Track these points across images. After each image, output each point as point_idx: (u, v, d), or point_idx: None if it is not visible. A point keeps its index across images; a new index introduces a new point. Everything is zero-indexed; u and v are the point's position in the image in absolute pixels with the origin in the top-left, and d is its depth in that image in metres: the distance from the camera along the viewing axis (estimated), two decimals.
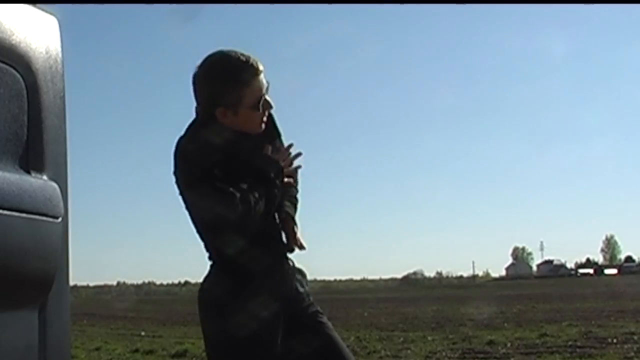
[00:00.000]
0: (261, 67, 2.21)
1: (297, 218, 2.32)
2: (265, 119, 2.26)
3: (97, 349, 11.19)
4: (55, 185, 2.01)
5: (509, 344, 9.70)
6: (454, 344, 10.22)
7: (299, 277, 2.29)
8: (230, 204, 2.04)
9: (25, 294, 1.93)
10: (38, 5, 2.14)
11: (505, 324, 13.21)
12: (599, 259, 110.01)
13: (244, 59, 2.20)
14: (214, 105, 2.18)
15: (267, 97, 2.23)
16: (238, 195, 2.05)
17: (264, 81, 2.22)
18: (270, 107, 2.24)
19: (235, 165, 2.14)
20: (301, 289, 2.27)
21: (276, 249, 2.25)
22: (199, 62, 2.23)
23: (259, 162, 2.20)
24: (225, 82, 2.17)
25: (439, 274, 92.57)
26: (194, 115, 2.26)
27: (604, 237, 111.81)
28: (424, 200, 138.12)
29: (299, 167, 2.31)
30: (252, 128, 2.23)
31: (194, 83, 2.23)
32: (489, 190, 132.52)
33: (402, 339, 11.17)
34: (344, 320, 14.93)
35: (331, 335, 2.27)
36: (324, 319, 2.30)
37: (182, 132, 2.23)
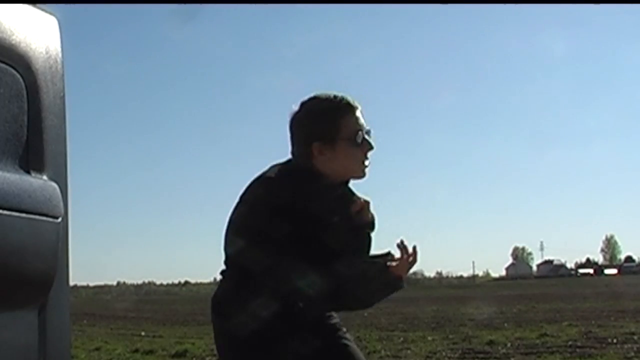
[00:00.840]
0: (358, 105, 2.20)
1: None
2: (367, 167, 2.19)
3: (97, 349, 11.19)
4: (55, 185, 2.01)
5: (509, 344, 9.70)
6: (454, 344, 10.22)
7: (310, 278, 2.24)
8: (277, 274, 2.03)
9: (25, 294, 1.93)
10: (38, 5, 2.13)
11: (505, 324, 13.22)
12: (599, 259, 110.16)
13: (340, 96, 2.19)
14: (310, 140, 2.13)
15: (367, 137, 2.17)
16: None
17: (362, 119, 2.19)
18: (371, 147, 2.17)
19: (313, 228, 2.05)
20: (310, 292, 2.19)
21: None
22: (296, 105, 2.21)
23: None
24: (322, 115, 2.15)
25: (439, 274, 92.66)
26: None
27: (604, 237, 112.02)
28: (424, 200, 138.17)
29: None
30: (353, 169, 2.18)
31: (292, 126, 2.20)
32: (489, 190, 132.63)
33: (402, 339, 11.17)
34: (343, 320, 14.90)
35: (339, 338, 2.26)
36: (335, 322, 2.30)
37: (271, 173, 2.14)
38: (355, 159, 2.16)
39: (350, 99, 2.19)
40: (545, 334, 10.82)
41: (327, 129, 2.13)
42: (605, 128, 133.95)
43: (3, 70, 1.93)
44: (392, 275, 2.12)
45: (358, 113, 2.19)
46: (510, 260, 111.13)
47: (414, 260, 2.11)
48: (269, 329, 2.14)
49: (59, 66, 2.15)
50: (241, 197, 2.14)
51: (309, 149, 2.14)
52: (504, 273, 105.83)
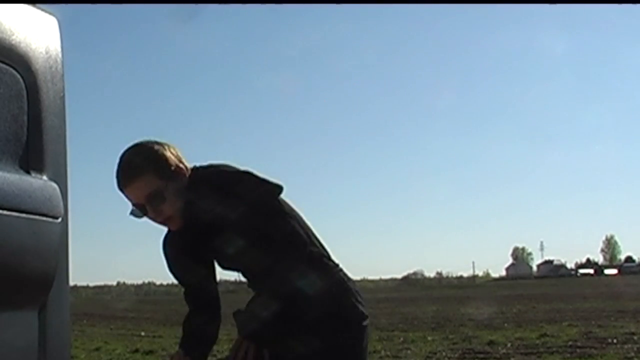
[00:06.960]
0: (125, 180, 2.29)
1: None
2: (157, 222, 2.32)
3: (97, 349, 11.18)
4: (55, 185, 2.01)
5: (509, 344, 9.70)
6: (454, 344, 10.22)
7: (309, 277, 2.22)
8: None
9: (25, 294, 1.93)
10: (38, 5, 2.13)
11: (505, 324, 13.22)
12: (599, 259, 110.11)
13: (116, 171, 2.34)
14: None
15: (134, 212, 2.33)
16: None
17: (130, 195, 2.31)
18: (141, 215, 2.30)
19: None
20: (309, 290, 2.20)
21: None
22: None
23: None
24: None
25: (439, 274, 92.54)
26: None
27: (604, 237, 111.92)
28: (424, 200, 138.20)
29: None
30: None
31: None
32: (489, 190, 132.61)
33: (402, 339, 11.17)
34: None
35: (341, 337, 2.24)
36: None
37: None
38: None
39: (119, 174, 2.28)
40: (545, 334, 10.82)
41: None
42: (606, 128, 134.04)
43: (3, 70, 1.93)
44: None
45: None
46: (510, 261, 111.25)
47: None
48: (268, 329, 2.15)
49: (59, 66, 2.15)
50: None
51: None
52: (504, 273, 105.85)
